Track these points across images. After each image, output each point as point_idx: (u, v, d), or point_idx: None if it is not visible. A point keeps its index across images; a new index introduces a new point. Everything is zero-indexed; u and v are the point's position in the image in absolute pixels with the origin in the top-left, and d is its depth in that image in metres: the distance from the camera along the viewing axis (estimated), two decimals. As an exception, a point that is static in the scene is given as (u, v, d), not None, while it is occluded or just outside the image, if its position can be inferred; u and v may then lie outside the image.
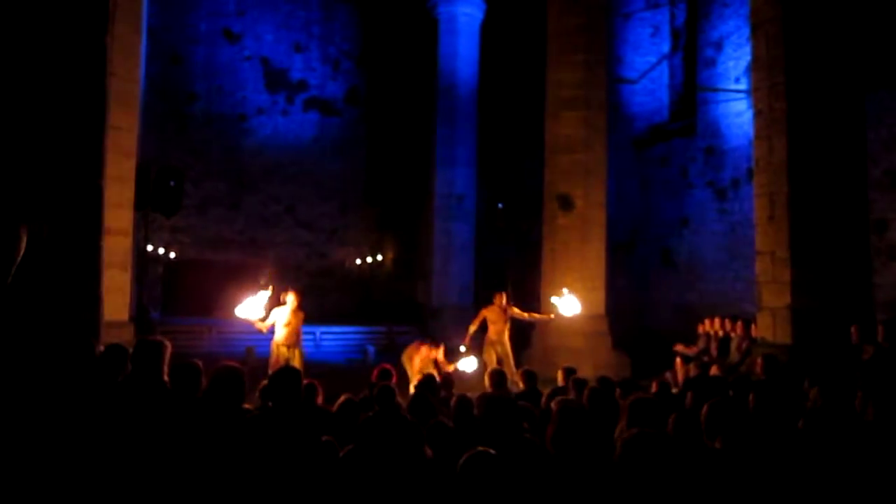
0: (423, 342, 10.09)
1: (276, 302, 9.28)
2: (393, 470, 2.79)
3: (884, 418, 4.15)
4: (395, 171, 22.31)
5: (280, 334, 9.27)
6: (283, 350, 9.27)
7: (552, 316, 10.42)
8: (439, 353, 9.77)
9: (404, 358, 9.92)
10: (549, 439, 3.27)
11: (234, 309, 8.60)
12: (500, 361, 10.36)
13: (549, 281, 12.94)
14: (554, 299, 10.08)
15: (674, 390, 7.25)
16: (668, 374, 8.87)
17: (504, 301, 10.82)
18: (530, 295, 13.63)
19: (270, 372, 8.42)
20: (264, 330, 9.11)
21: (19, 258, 2.75)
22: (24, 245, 2.75)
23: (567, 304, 9.86)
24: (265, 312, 8.86)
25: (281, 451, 3.33)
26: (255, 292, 8.78)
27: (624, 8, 18.58)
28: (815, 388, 4.56)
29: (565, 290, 10.08)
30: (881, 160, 11.51)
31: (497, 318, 10.73)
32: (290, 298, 9.38)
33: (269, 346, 9.54)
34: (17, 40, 4.43)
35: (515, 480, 2.71)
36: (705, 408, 3.57)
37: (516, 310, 10.80)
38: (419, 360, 9.71)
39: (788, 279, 9.14)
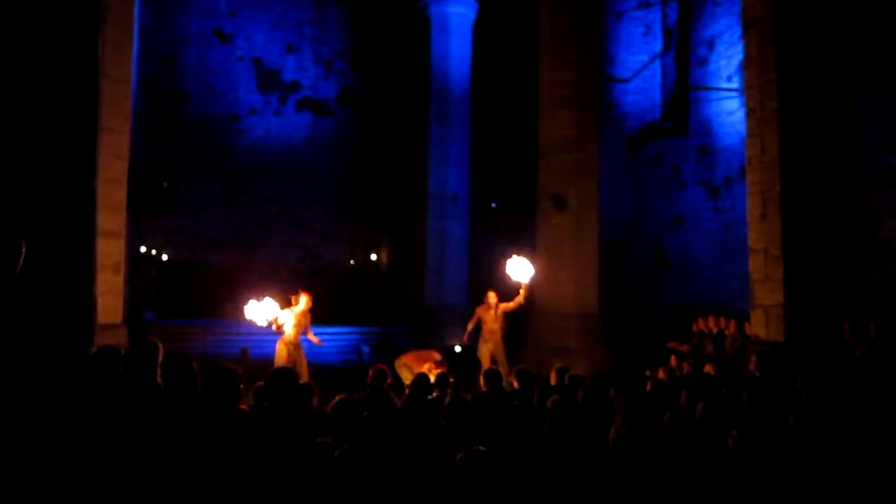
0: (425, 357, 9.96)
1: (286, 303, 9.44)
2: (388, 469, 2.79)
3: (876, 415, 4.17)
4: (388, 172, 22.29)
5: (290, 334, 9.33)
6: (292, 350, 9.34)
7: (522, 291, 10.16)
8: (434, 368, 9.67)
9: (399, 365, 9.87)
10: (544, 437, 3.28)
11: (244, 309, 8.94)
12: (494, 361, 10.37)
13: (543, 280, 12.96)
14: (508, 263, 9.77)
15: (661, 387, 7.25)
16: (648, 373, 8.77)
17: (495, 299, 10.80)
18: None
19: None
20: (277, 329, 9.22)
21: (18, 269, 2.75)
22: (23, 257, 2.75)
23: (519, 269, 9.68)
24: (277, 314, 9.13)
25: (277, 451, 3.33)
26: (286, 306, 9.25)
27: (616, 7, 18.62)
28: (807, 386, 4.58)
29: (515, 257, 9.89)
30: (873, 158, 11.57)
31: (489, 316, 10.74)
32: (304, 299, 9.50)
33: (265, 346, 9.60)
34: (9, 43, 4.42)
35: (510, 479, 2.71)
36: (700, 405, 3.59)
37: (503, 305, 10.74)
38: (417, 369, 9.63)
39: (781, 277, 9.17)
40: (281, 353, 9.28)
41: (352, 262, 22.20)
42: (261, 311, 8.99)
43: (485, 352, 10.64)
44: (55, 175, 4.53)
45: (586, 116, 13.08)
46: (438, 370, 9.48)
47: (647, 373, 8.70)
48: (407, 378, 9.49)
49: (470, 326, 10.86)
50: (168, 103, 20.88)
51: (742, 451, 2.69)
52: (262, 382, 5.47)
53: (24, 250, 2.62)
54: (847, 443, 3.49)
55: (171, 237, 20.76)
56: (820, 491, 3.01)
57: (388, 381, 6.69)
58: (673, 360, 10.44)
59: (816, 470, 3.15)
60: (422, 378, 6.63)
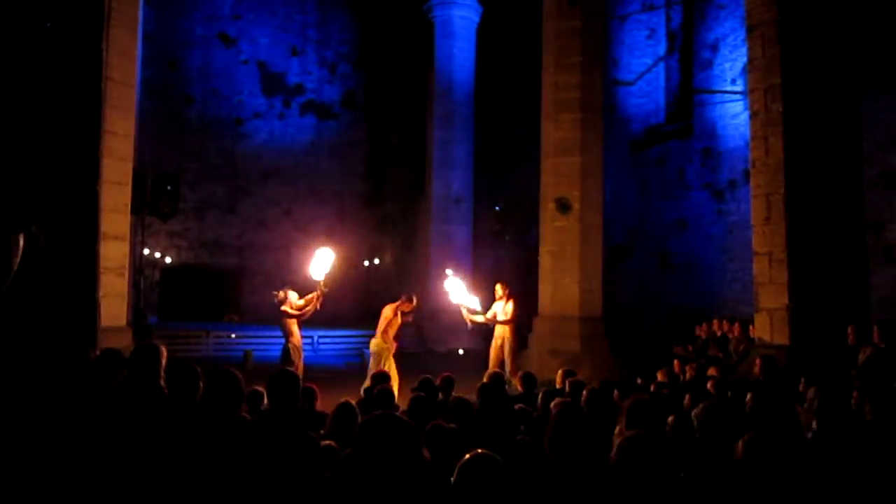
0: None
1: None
2: (391, 473, 2.78)
3: (881, 419, 4.15)
4: (392, 174, 22.30)
5: (298, 336, 9.32)
6: (301, 352, 9.37)
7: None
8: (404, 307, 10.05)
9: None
10: (547, 441, 3.27)
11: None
12: (503, 364, 10.28)
13: (548, 283, 12.95)
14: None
15: (664, 391, 7.24)
16: (653, 387, 8.67)
17: (504, 290, 10.62)
18: (527, 298, 13.63)
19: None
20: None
21: (16, 266, 2.75)
22: (20, 253, 2.75)
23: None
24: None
25: (280, 455, 3.32)
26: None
27: (620, 10, 18.61)
28: (813, 389, 4.56)
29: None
30: (877, 161, 11.54)
31: (499, 310, 10.61)
32: (294, 295, 9.47)
33: (269, 350, 9.57)
34: (12, 45, 4.42)
35: (514, 483, 2.70)
36: (699, 409, 3.58)
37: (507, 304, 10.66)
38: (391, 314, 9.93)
39: (786, 280, 9.15)
40: (294, 357, 9.24)
41: (355, 265, 22.18)
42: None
43: (494, 350, 10.53)
44: (58, 177, 4.54)
45: (590, 119, 13.07)
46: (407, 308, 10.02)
47: (652, 387, 8.59)
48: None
49: (478, 317, 10.65)
50: (172, 106, 20.91)
51: (752, 457, 2.67)
52: (256, 387, 5.47)
53: (21, 245, 2.62)
54: (855, 447, 3.47)
55: (174, 240, 20.79)
56: (829, 495, 3.00)
57: (389, 383, 6.69)
58: (676, 364, 10.43)
59: (825, 473, 3.13)
60: (426, 382, 6.63)
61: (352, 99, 22.87)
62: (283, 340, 9.42)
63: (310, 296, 9.26)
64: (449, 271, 10.72)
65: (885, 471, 3.29)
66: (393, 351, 9.70)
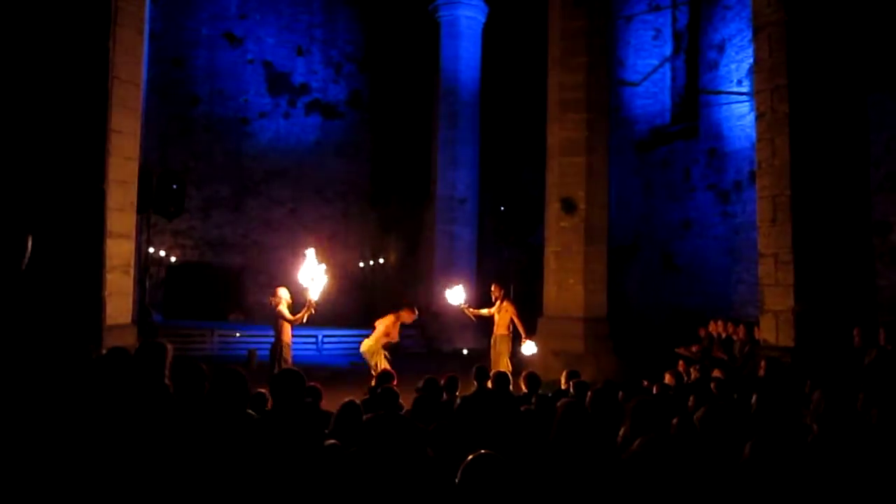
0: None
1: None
2: (396, 472, 2.78)
3: (887, 421, 4.14)
4: (397, 174, 22.31)
5: (289, 335, 9.29)
6: (290, 350, 9.35)
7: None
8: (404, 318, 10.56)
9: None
10: (552, 441, 3.27)
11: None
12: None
13: (552, 284, 12.94)
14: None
15: (669, 392, 7.23)
16: (646, 383, 8.66)
17: (498, 292, 11.05)
18: (531, 299, 13.63)
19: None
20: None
21: (24, 265, 2.75)
22: (28, 252, 2.75)
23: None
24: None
25: (285, 454, 3.33)
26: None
27: (626, 10, 18.59)
28: (819, 391, 4.55)
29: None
30: (883, 163, 11.49)
31: (494, 312, 11.00)
32: (286, 293, 9.40)
33: (267, 349, 9.52)
34: (20, 44, 4.43)
35: (518, 483, 2.70)
36: (700, 411, 3.57)
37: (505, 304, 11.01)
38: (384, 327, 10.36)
39: (791, 282, 9.12)
40: (287, 354, 9.23)
41: (360, 264, 22.21)
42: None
43: (493, 350, 10.85)
44: (64, 176, 4.55)
45: (595, 120, 13.06)
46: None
47: (645, 383, 8.57)
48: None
49: (478, 311, 11.27)
50: (178, 106, 20.96)
51: (758, 459, 2.66)
52: (261, 389, 5.46)
53: (29, 246, 2.62)
54: (861, 449, 3.46)
55: (179, 239, 20.85)
56: (834, 497, 2.99)
57: (394, 383, 6.70)
58: (681, 365, 10.42)
59: (831, 476, 3.12)
60: (430, 381, 6.63)
61: (357, 99, 22.89)
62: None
63: (301, 313, 9.07)
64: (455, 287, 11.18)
65: (890, 473, 3.28)
66: (382, 353, 10.22)
